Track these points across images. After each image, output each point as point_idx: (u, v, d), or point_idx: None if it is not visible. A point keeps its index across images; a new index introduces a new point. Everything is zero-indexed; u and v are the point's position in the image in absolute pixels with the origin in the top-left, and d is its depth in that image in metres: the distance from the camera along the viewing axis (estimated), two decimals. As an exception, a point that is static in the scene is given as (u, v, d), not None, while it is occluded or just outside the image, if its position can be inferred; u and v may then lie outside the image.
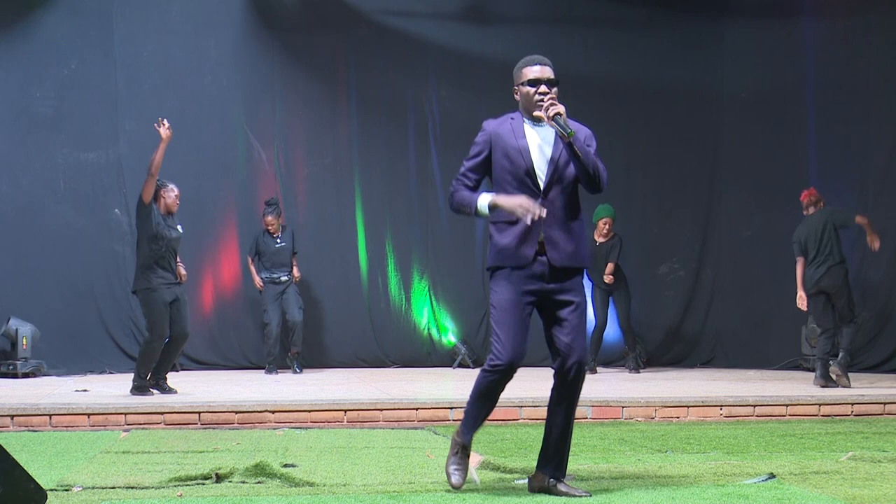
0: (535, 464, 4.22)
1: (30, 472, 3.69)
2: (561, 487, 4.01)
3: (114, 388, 7.73)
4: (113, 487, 4.20)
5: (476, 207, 4.08)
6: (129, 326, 9.96)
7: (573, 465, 4.78)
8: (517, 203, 3.97)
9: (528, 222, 3.96)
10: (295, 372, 9.59)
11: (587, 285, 10.89)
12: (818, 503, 3.87)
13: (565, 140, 4.06)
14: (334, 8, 10.68)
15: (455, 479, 4.11)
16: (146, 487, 4.20)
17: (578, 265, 4.10)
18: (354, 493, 4.07)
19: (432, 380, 8.96)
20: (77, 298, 9.77)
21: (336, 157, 10.75)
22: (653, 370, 10.17)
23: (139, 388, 7.14)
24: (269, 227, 9.75)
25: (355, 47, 10.76)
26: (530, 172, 4.08)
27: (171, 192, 7.48)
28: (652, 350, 10.69)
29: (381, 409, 6.48)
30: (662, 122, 11.12)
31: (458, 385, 8.31)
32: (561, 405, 4.07)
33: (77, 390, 7.49)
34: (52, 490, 4.01)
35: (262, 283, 9.72)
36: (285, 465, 4.65)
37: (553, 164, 4.11)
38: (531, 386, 8.08)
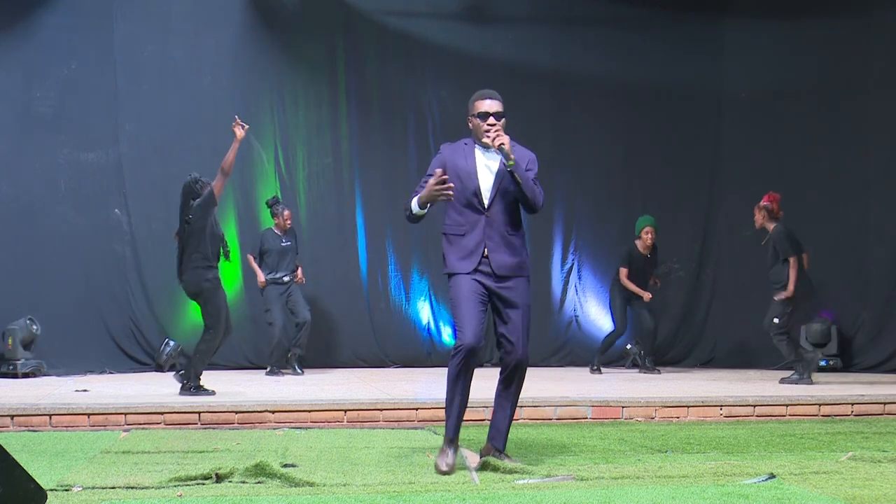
0: (535, 464, 4.42)
1: (30, 472, 3.69)
2: (506, 462, 4.66)
3: (114, 388, 7.73)
4: (113, 487, 4.20)
5: (411, 209, 4.72)
6: (129, 326, 9.97)
7: (573, 464, 4.79)
8: (431, 190, 4.59)
9: (450, 194, 4.59)
10: (296, 373, 9.46)
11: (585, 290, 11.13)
12: (818, 503, 3.87)
13: (507, 168, 4.62)
14: (334, 8, 10.68)
15: (442, 466, 4.55)
16: (146, 487, 4.20)
17: (518, 274, 4.69)
18: (354, 493, 4.06)
19: (432, 380, 8.95)
20: (77, 298, 9.76)
21: (336, 157, 10.75)
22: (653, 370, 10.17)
23: (197, 388, 7.08)
24: (288, 223, 9.65)
25: (355, 47, 10.76)
26: (477, 192, 4.68)
27: None
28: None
29: (381, 409, 6.48)
30: (662, 122, 11.12)
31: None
32: (508, 393, 4.77)
33: (77, 390, 7.49)
34: (52, 490, 4.01)
35: (265, 281, 9.61)
36: (285, 465, 4.64)
37: (496, 185, 4.68)
38: (531, 386, 8.07)
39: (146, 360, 9.92)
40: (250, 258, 9.71)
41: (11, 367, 9.01)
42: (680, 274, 11.16)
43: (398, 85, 10.87)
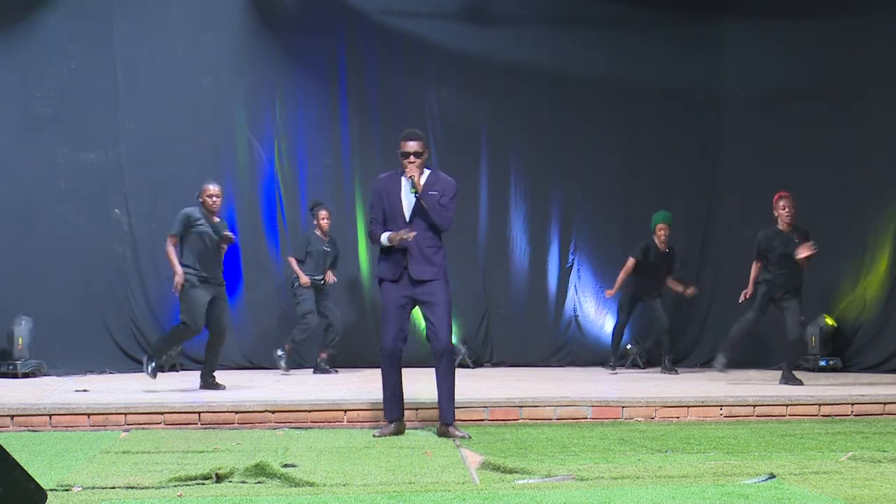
0: (535, 463, 4.42)
1: (30, 472, 3.69)
2: (451, 430, 5.85)
3: (114, 388, 7.73)
4: (113, 487, 4.20)
5: (381, 242, 5.89)
6: (129, 326, 9.97)
7: (573, 464, 4.79)
8: (397, 237, 5.80)
9: (410, 239, 5.77)
10: (331, 372, 9.60)
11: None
12: (818, 503, 3.87)
13: (413, 194, 5.85)
14: (334, 8, 10.69)
15: (376, 433, 5.81)
16: (146, 487, 4.20)
17: (433, 278, 5.85)
18: (354, 493, 4.06)
19: (432, 380, 8.94)
20: (77, 298, 9.77)
21: (336, 157, 10.76)
22: (653, 370, 10.18)
23: (155, 368, 7.55)
24: (325, 223, 9.74)
25: (355, 47, 10.77)
26: (401, 213, 5.90)
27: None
28: (652, 350, 10.69)
29: (380, 409, 6.46)
30: (662, 122, 11.12)
31: (458, 385, 8.29)
32: (442, 374, 5.91)
33: (77, 390, 7.49)
34: (52, 490, 4.01)
35: (308, 281, 9.57)
36: (285, 465, 4.65)
37: (414, 206, 5.86)
38: (531, 386, 8.10)
39: (146, 360, 9.92)
40: (292, 261, 9.65)
41: (11, 367, 9.01)
42: (680, 274, 11.15)
43: (398, 85, 10.86)
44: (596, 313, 11.11)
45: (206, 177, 9.96)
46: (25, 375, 9.01)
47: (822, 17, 10.39)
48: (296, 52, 10.67)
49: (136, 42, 10.17)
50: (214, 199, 7.74)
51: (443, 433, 5.89)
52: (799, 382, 8.20)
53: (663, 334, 9.93)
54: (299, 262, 9.65)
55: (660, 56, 11.08)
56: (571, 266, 11.12)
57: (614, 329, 10.05)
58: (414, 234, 5.77)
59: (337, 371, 9.68)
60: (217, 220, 7.82)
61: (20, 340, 9.10)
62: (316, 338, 9.86)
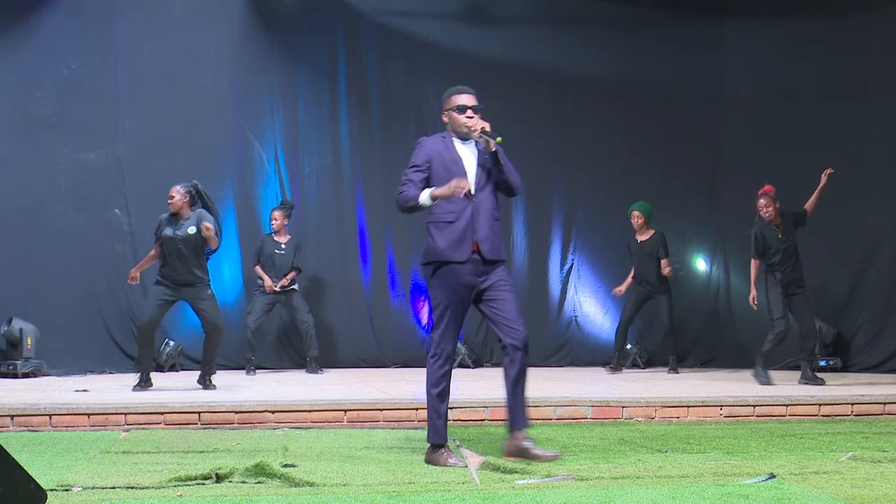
0: (535, 463, 4.42)
1: (30, 472, 3.69)
2: (536, 451, 4.77)
3: (114, 388, 7.74)
4: (113, 487, 4.20)
5: (419, 201, 4.85)
6: (129, 326, 9.95)
7: (573, 464, 4.78)
8: (452, 185, 4.75)
9: (463, 196, 4.76)
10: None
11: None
12: (818, 503, 3.87)
13: (491, 149, 4.90)
14: (334, 8, 10.69)
15: (453, 461, 4.83)
16: (146, 487, 4.20)
17: (502, 258, 4.94)
18: (354, 493, 4.07)
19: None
20: (77, 298, 9.77)
21: (336, 157, 10.76)
22: (653, 370, 10.18)
23: (139, 382, 7.67)
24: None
25: (355, 47, 10.77)
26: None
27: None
28: (652, 350, 10.69)
29: (381, 409, 6.48)
30: (662, 122, 11.12)
31: (457, 385, 8.29)
32: (518, 377, 4.86)
33: (77, 390, 7.49)
34: (52, 490, 4.01)
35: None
36: (285, 465, 4.65)
37: (480, 173, 4.93)
38: (531, 386, 8.08)
39: (146, 360, 9.93)
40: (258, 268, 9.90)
41: (11, 367, 9.01)
42: (680, 273, 11.16)
43: (398, 85, 10.86)
44: (596, 313, 11.10)
45: (206, 177, 9.96)
46: (25, 375, 9.01)
47: (822, 17, 10.39)
48: (296, 52, 10.67)
49: (136, 42, 10.17)
50: (169, 200, 7.81)
51: (520, 450, 4.86)
52: (821, 382, 8.19)
53: (667, 336, 9.94)
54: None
55: (660, 56, 11.07)
56: (571, 266, 11.12)
57: (618, 327, 9.99)
58: (468, 186, 4.80)
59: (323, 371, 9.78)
60: (186, 218, 7.77)
61: (29, 340, 9.11)
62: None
